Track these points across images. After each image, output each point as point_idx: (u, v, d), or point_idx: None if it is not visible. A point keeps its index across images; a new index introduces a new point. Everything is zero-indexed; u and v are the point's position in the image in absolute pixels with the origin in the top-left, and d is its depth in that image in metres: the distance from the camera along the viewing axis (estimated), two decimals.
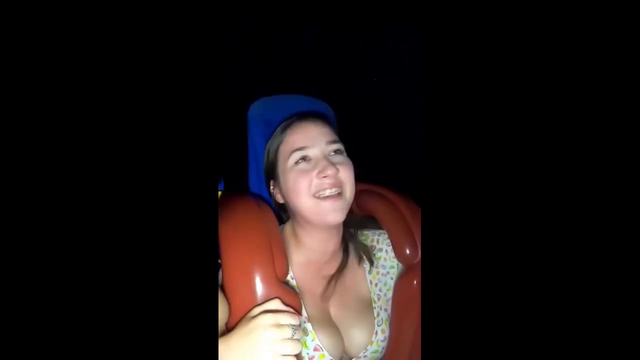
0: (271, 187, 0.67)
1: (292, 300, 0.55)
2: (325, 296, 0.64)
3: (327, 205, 0.58)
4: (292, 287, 0.58)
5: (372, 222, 0.73)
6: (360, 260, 0.69)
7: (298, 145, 0.60)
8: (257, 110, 0.78)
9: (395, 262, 0.68)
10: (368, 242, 0.71)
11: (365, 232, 0.72)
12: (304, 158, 0.60)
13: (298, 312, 0.55)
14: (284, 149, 0.62)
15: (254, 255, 0.54)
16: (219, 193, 0.66)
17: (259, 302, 0.53)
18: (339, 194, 0.59)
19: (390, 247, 0.69)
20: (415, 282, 0.64)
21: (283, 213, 0.69)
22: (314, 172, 0.59)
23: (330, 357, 0.59)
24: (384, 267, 0.69)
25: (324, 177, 0.58)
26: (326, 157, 0.60)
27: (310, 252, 0.64)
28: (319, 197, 0.58)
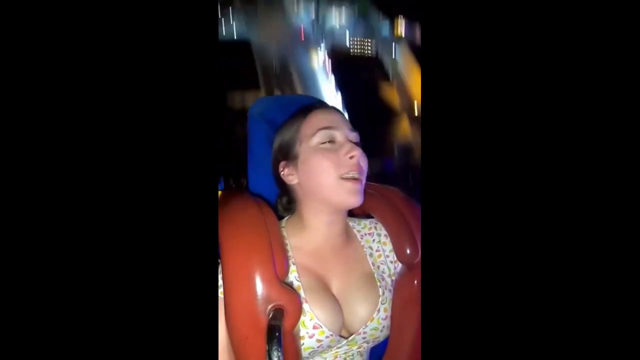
0: (281, 169, 0.67)
1: (292, 300, 0.55)
2: (327, 273, 0.64)
3: (349, 186, 0.60)
4: (291, 287, 0.58)
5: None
6: (361, 243, 0.70)
7: (325, 124, 0.62)
8: (257, 109, 0.77)
9: None
10: (366, 230, 0.72)
11: (363, 220, 0.73)
12: (330, 139, 0.62)
13: (297, 313, 0.55)
14: (307, 127, 0.63)
15: (254, 255, 0.54)
16: (219, 193, 0.66)
17: (259, 302, 0.53)
18: (358, 179, 0.61)
19: None
20: (415, 282, 0.64)
21: (288, 197, 0.69)
22: (340, 151, 0.61)
23: (330, 332, 0.60)
24: (384, 250, 0.70)
25: (351, 157, 0.60)
26: (350, 141, 0.62)
27: (315, 236, 0.65)
28: (343, 178, 0.60)
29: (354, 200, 0.61)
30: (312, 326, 0.59)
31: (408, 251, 0.65)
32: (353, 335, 0.63)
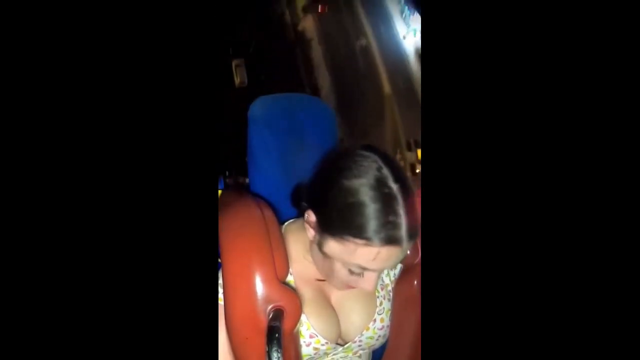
0: (306, 216, 0.58)
1: (291, 301, 0.55)
2: (327, 283, 0.64)
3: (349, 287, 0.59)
4: (291, 287, 0.58)
5: None
6: None
7: (365, 264, 0.54)
8: (257, 109, 0.77)
9: None
10: None
11: None
12: (359, 273, 0.56)
13: (297, 313, 0.55)
14: (352, 245, 0.52)
15: (254, 255, 0.54)
16: (219, 192, 0.66)
17: (259, 303, 0.53)
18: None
19: None
20: (415, 282, 0.64)
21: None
22: (361, 280, 0.56)
23: (326, 341, 0.60)
24: None
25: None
26: (377, 277, 0.56)
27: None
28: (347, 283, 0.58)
29: (347, 289, 0.60)
30: (309, 335, 0.60)
31: (408, 251, 0.65)
32: (349, 343, 0.63)
